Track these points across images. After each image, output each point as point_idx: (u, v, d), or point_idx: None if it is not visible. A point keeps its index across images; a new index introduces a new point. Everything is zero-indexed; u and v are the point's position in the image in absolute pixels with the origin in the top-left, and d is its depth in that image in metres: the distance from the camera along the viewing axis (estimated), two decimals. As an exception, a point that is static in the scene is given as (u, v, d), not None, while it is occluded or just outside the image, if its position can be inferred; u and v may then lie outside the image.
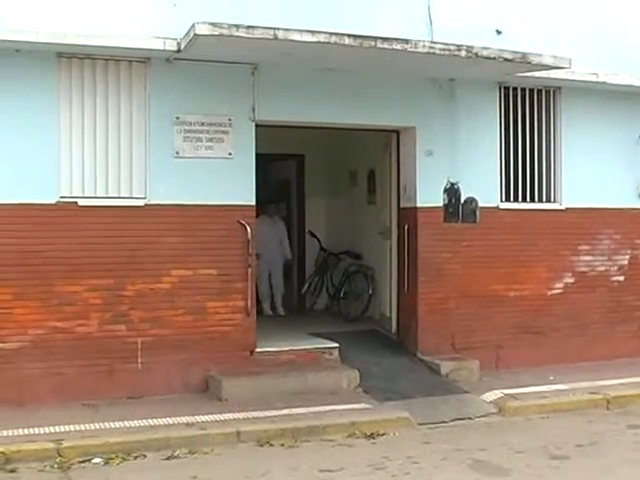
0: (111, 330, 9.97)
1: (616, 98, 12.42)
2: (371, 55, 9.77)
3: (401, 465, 8.06)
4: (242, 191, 10.51)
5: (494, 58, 10.11)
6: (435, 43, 10.02)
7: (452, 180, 11.63)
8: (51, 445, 8.19)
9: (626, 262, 12.83)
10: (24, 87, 9.61)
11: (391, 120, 11.45)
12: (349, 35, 9.36)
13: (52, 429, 8.64)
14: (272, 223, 14.36)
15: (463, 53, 9.90)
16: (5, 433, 8.49)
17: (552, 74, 11.29)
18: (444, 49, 9.86)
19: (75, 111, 9.91)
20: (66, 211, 9.78)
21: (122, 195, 10.09)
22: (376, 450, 8.60)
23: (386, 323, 12.47)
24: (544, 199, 12.32)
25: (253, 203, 10.62)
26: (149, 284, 10.11)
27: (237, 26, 8.96)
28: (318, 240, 14.75)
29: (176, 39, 9.66)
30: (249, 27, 9.01)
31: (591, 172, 12.40)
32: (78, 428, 8.71)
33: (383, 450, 8.56)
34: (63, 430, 8.63)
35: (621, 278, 12.80)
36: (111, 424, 8.87)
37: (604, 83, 12.05)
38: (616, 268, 12.77)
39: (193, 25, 9.03)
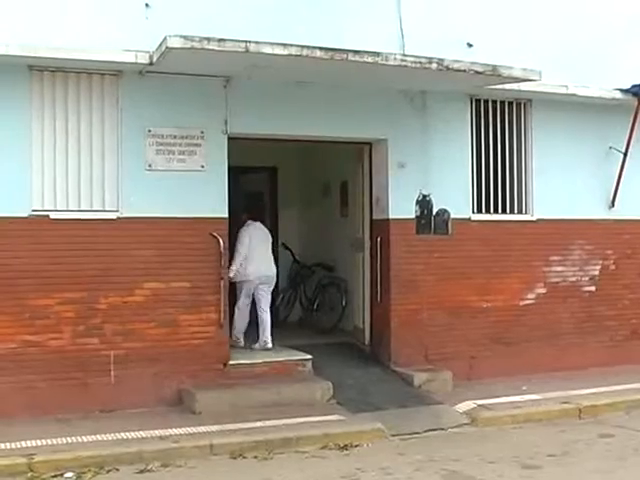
0: (84, 343, 9.92)
1: (586, 110, 12.52)
2: (343, 68, 9.81)
3: (374, 476, 8.07)
4: (215, 204, 10.51)
5: (465, 71, 10.18)
6: (406, 56, 10.08)
7: (424, 192, 11.69)
8: (22, 460, 8.12)
9: (597, 272, 12.93)
10: (-5, 100, 9.60)
11: (363, 132, 11.51)
12: (320, 48, 9.40)
13: (24, 444, 8.57)
14: (264, 232, 12.14)
15: (434, 66, 9.97)
16: (-24, 449, 8.44)
17: (523, 86, 11.37)
18: (415, 62, 9.92)
19: (47, 124, 9.88)
20: (38, 224, 9.75)
21: (94, 208, 10.07)
22: (350, 461, 8.60)
23: (359, 335, 12.49)
24: (515, 210, 12.40)
25: (226, 215, 10.62)
26: (122, 297, 10.09)
27: (209, 39, 8.99)
28: (291, 252, 14.72)
29: (148, 52, 9.66)
30: (220, 40, 9.03)
31: (562, 183, 12.50)
32: (50, 442, 8.65)
33: (356, 461, 8.56)
34: (35, 445, 8.56)
35: (592, 288, 12.89)
36: (83, 438, 8.82)
37: (574, 95, 12.17)
38: (587, 279, 12.86)
39: (165, 38, 9.03)
